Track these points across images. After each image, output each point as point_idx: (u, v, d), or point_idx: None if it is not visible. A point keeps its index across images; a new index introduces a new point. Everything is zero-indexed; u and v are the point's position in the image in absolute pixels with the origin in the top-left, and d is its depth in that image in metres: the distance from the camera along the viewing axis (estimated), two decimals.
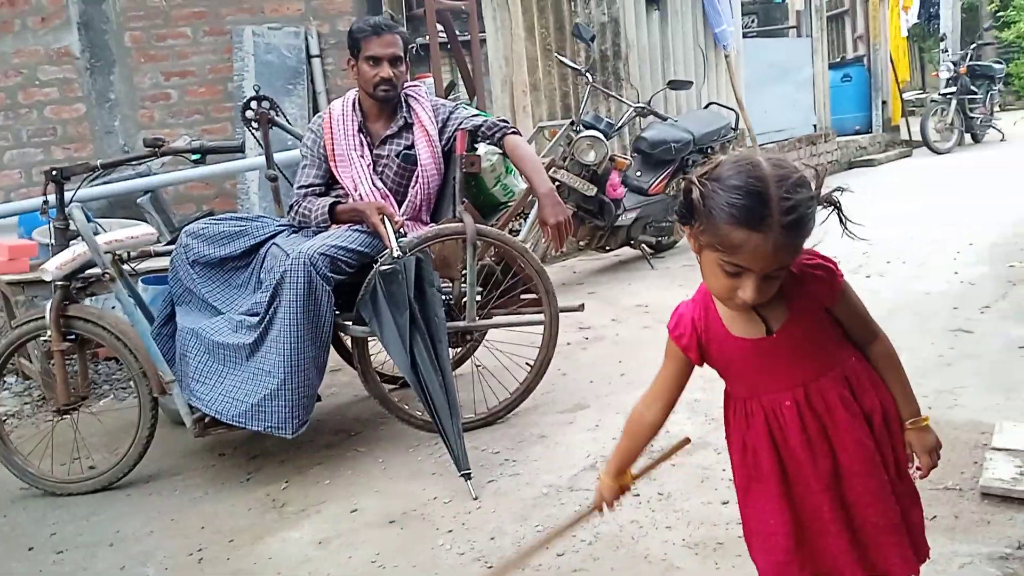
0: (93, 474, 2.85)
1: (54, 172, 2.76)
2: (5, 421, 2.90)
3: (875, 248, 5.13)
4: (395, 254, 2.68)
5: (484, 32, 6.21)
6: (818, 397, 1.35)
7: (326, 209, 2.92)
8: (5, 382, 3.85)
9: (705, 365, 1.46)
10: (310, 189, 3.04)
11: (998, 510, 2.16)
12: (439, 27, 6.29)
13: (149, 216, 4.78)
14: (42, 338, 2.85)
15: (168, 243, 3.67)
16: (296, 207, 3.03)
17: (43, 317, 2.77)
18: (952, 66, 10.50)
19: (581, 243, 5.52)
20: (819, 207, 1.24)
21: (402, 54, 2.98)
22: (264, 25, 5.69)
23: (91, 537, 2.49)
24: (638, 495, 2.39)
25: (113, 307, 3.11)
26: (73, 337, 2.82)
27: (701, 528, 2.21)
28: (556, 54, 6.09)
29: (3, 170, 5.55)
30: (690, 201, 1.23)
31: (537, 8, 6.33)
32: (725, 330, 1.36)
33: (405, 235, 2.85)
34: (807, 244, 1.26)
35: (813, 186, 1.23)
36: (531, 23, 6.30)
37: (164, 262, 3.28)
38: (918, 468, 1.42)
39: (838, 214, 1.29)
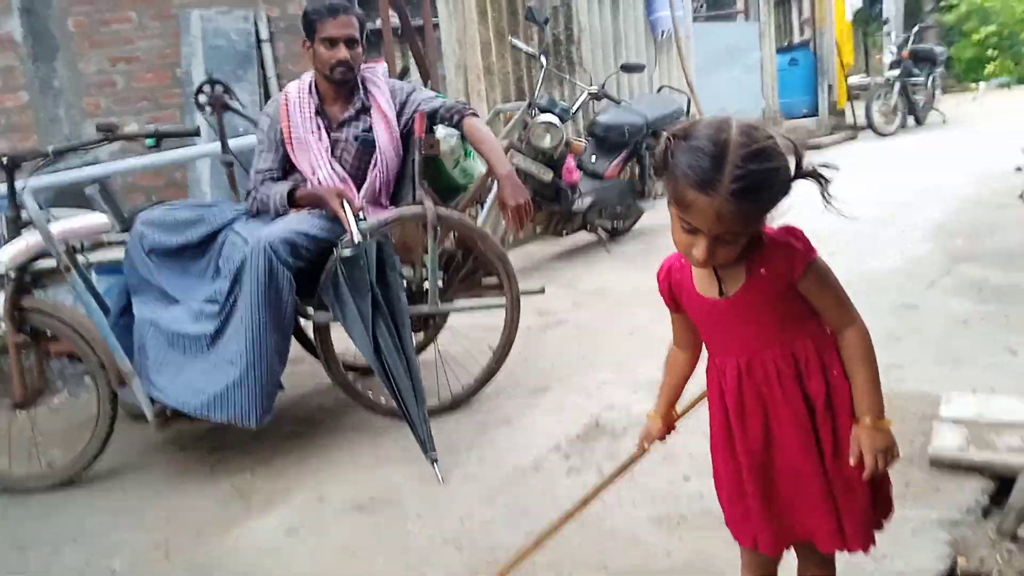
0: (52, 470, 2.80)
1: (4, 159, 2.69)
2: None
3: (825, 231, 5.25)
4: (356, 239, 2.67)
5: (437, 17, 6.18)
6: (759, 368, 1.39)
7: (285, 194, 2.90)
8: None
9: None
10: (267, 174, 3.01)
11: (947, 477, 2.25)
12: (391, 12, 6.23)
13: (98, 206, 4.66)
14: None
15: (120, 233, 3.59)
16: (254, 193, 2.99)
17: None
18: (895, 50, 10.74)
19: (538, 228, 5.55)
20: (796, 180, 1.27)
21: (358, 36, 2.96)
22: (212, 9, 5.57)
23: (53, 533, 2.46)
24: (603, 474, 2.44)
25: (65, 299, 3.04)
26: (27, 330, 2.76)
27: (664, 503, 2.26)
28: (510, 38, 6.08)
29: None
30: (660, 155, 1.28)
31: None
32: (692, 285, 1.42)
33: (365, 219, 2.84)
34: (779, 218, 1.29)
35: (791, 160, 1.26)
36: (484, 7, 6.28)
37: (117, 252, 3.23)
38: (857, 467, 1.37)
39: (820, 189, 1.32)
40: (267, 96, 5.71)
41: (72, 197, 4.84)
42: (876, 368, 1.39)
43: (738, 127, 1.24)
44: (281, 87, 5.70)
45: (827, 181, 1.33)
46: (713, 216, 1.22)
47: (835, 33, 11.06)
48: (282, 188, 2.92)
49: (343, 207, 2.75)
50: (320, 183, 2.94)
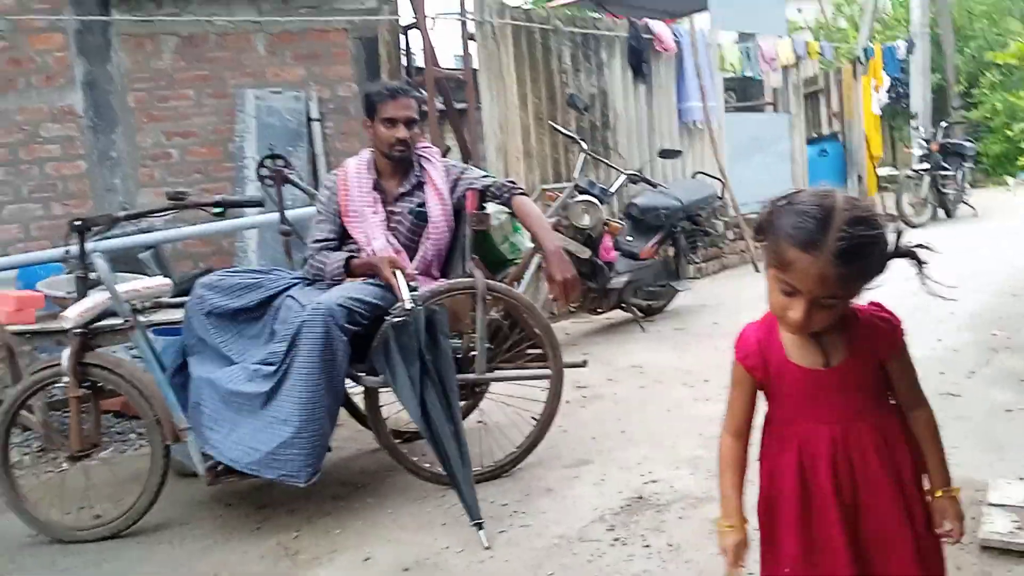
0: (102, 521, 2.85)
1: (77, 222, 2.84)
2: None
3: None
4: (407, 306, 2.76)
5: (480, 101, 6.42)
6: (855, 437, 1.43)
7: (342, 263, 3.01)
8: (14, 431, 3.82)
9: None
10: (325, 243, 3.14)
11: (997, 562, 2.24)
12: (437, 95, 6.49)
13: (150, 271, 4.84)
14: (55, 386, 2.88)
15: (172, 297, 3.72)
16: (311, 260, 3.11)
17: (59, 364, 2.80)
18: (924, 143, 10.89)
19: (573, 306, 5.63)
20: (892, 258, 1.34)
21: (417, 117, 3.12)
22: (266, 89, 5.85)
23: None
24: (648, 546, 2.45)
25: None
26: (88, 385, 2.85)
27: None
28: (550, 122, 6.30)
29: (2, 224, 5.59)
30: (763, 218, 1.35)
31: (530, 79, 6.57)
32: (784, 355, 1.45)
33: (416, 288, 2.94)
34: (869, 294, 1.36)
35: (891, 238, 1.33)
36: (524, 93, 6.53)
37: (171, 314, 3.34)
38: (950, 532, 1.49)
39: (918, 269, 1.39)
40: (314, 171, 5.93)
41: (125, 262, 5.02)
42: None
43: (842, 196, 1.31)
44: (329, 163, 5.94)
45: (924, 262, 1.40)
46: (816, 276, 1.27)
47: (863, 125, 11.27)
48: (339, 257, 3.04)
49: (395, 275, 2.86)
50: (375, 253, 3.05)
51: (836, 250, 1.25)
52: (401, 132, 3.09)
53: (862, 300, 1.42)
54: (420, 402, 2.72)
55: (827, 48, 11.09)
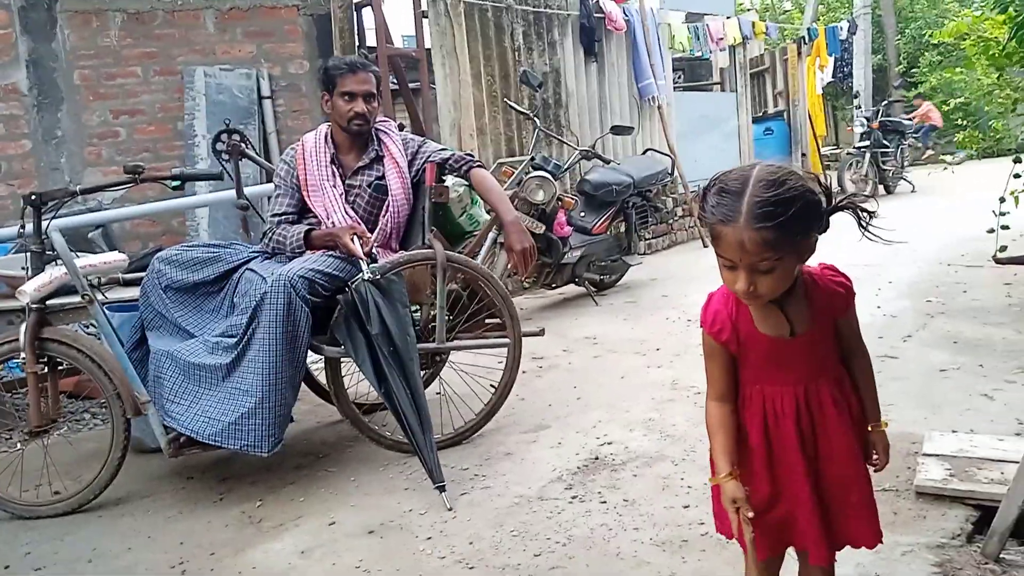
0: (62, 497, 2.85)
1: (33, 197, 2.81)
2: None
3: None
4: (366, 275, 2.81)
5: (434, 79, 6.44)
6: (815, 394, 1.54)
7: (302, 234, 3.04)
8: None
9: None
10: (283, 217, 3.15)
11: (932, 507, 2.38)
12: (390, 73, 6.49)
13: (99, 250, 4.78)
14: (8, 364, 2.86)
15: (126, 274, 3.68)
16: (270, 234, 3.13)
17: (16, 340, 2.79)
18: (865, 121, 11.19)
19: (528, 281, 5.71)
20: (832, 213, 1.43)
21: (375, 91, 3.15)
22: (216, 66, 5.79)
23: (68, 555, 2.51)
24: (605, 502, 2.54)
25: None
26: (45, 361, 2.84)
27: (666, 529, 2.36)
28: (505, 100, 6.35)
29: None
30: (699, 204, 1.44)
31: (483, 57, 6.60)
32: (752, 326, 1.53)
33: (376, 259, 2.98)
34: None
35: (821, 197, 1.40)
36: (478, 71, 6.56)
37: (126, 292, 3.34)
38: (877, 462, 1.64)
39: (858, 219, 1.49)
40: (266, 150, 5.89)
41: (73, 241, 4.94)
42: None
43: (763, 166, 1.39)
44: (281, 141, 5.91)
45: (867, 212, 1.49)
46: (739, 244, 1.35)
47: (807, 105, 11.54)
48: (299, 229, 3.06)
49: (355, 242, 2.89)
50: (335, 226, 3.08)
51: (750, 215, 1.33)
52: (359, 106, 3.11)
53: (814, 263, 1.52)
54: (378, 370, 2.77)
55: (773, 28, 11.30)
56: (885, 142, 10.98)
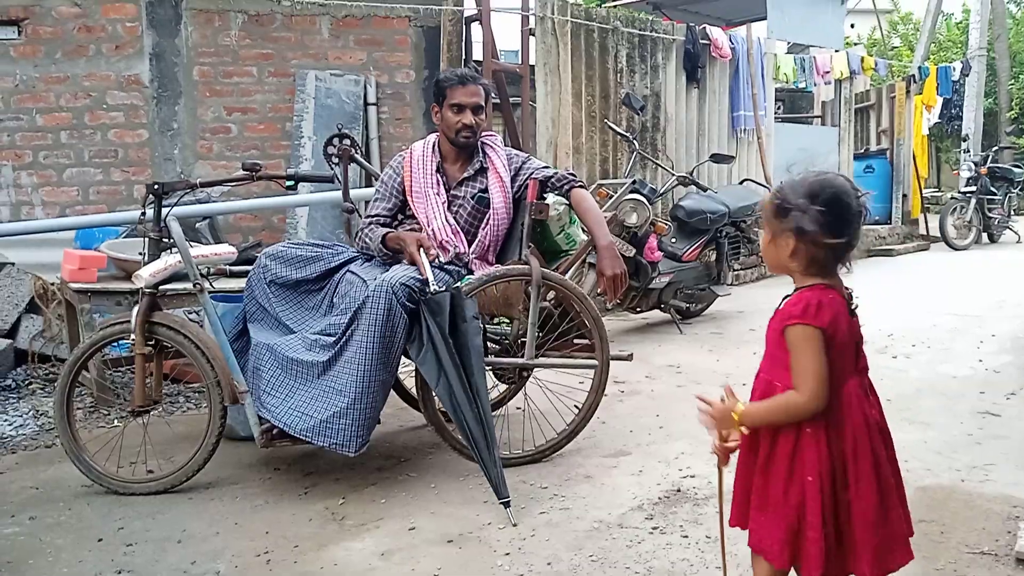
0: (156, 476, 2.96)
1: (156, 186, 2.95)
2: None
3: (899, 332, 5.29)
4: (431, 288, 2.83)
5: (535, 94, 6.49)
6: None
7: (380, 236, 3.13)
8: (81, 384, 3.94)
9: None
10: (375, 219, 3.22)
11: None
12: (492, 87, 6.57)
13: (205, 240, 4.97)
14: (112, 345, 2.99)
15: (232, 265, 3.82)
16: (361, 234, 3.21)
17: (128, 321, 2.92)
18: (973, 166, 10.80)
19: (612, 303, 5.67)
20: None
21: (484, 104, 3.20)
22: (327, 71, 5.97)
23: (159, 533, 2.60)
24: (686, 536, 2.50)
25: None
26: (152, 344, 2.96)
27: (750, 571, 2.30)
28: (605, 120, 6.36)
29: (62, 186, 5.76)
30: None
31: (585, 77, 6.63)
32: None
33: (459, 270, 3.03)
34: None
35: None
36: (579, 90, 6.60)
37: (230, 283, 3.47)
38: None
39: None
40: (368, 155, 6.03)
41: (182, 230, 5.16)
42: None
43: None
44: (383, 148, 6.05)
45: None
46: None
47: (912, 145, 11.18)
48: (381, 232, 3.13)
49: (420, 253, 2.94)
50: (435, 233, 3.14)
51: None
52: (468, 118, 3.17)
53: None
54: (445, 383, 2.78)
55: (882, 65, 11.01)
56: (992, 189, 10.57)
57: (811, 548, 1.63)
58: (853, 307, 1.70)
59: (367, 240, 3.20)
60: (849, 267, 1.73)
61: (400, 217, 3.30)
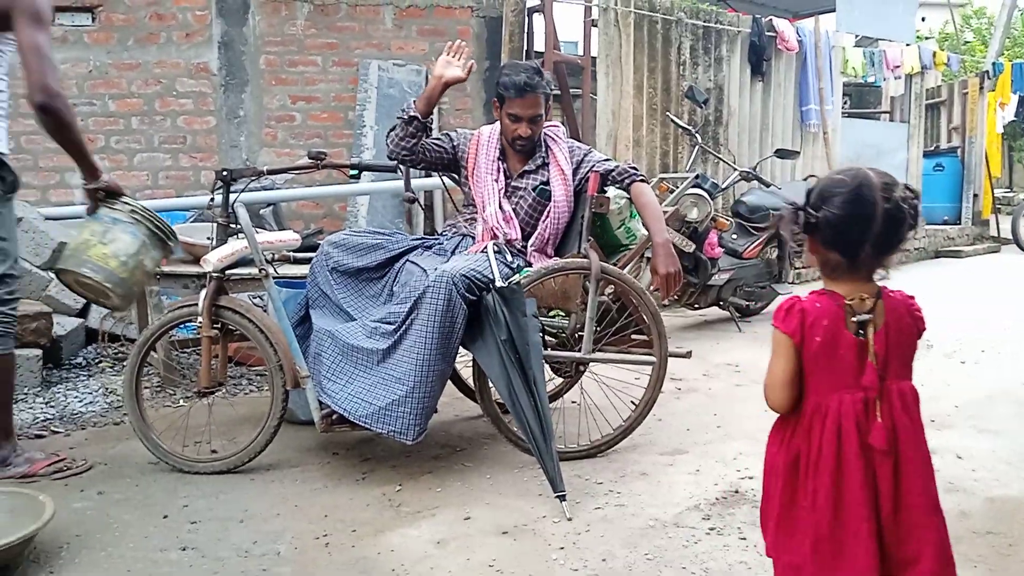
0: (220, 456, 3.03)
1: (224, 173, 3.01)
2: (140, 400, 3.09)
3: (968, 337, 5.14)
4: (497, 283, 2.85)
5: (596, 86, 6.45)
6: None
7: (412, 104, 3.17)
8: (148, 364, 4.04)
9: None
10: (419, 124, 3.18)
11: None
12: (553, 78, 6.55)
13: (268, 227, 5.06)
14: (189, 324, 3.08)
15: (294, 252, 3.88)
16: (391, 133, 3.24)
17: (195, 304, 2.99)
18: None
19: (671, 298, 5.62)
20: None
21: (543, 112, 3.18)
22: (389, 61, 6.01)
23: (222, 512, 2.66)
24: (744, 539, 2.47)
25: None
26: (218, 327, 3.03)
27: None
28: (667, 113, 6.29)
29: (132, 171, 5.91)
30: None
31: (647, 69, 6.56)
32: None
33: (514, 262, 3.07)
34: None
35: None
36: (640, 82, 6.53)
37: (293, 269, 3.52)
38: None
39: None
40: None
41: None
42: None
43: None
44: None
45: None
46: None
47: (985, 143, 10.82)
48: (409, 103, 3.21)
49: (488, 251, 2.96)
50: (487, 218, 3.16)
51: None
52: (524, 130, 3.16)
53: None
54: (504, 375, 2.79)
55: (954, 60, 10.67)
56: None
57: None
58: (856, 319, 1.56)
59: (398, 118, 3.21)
60: (886, 272, 1.61)
61: (434, 151, 3.28)
